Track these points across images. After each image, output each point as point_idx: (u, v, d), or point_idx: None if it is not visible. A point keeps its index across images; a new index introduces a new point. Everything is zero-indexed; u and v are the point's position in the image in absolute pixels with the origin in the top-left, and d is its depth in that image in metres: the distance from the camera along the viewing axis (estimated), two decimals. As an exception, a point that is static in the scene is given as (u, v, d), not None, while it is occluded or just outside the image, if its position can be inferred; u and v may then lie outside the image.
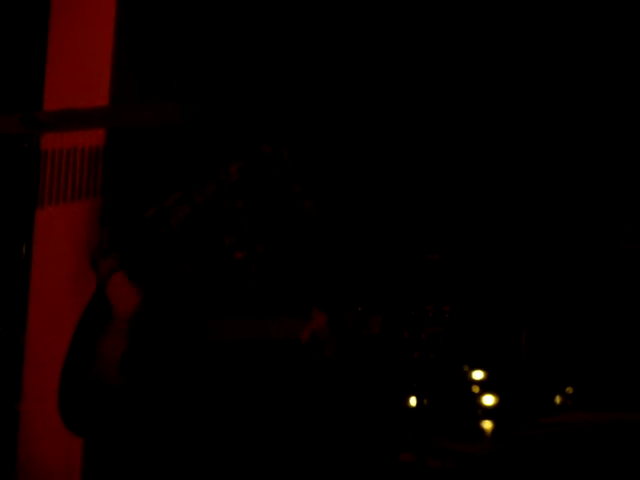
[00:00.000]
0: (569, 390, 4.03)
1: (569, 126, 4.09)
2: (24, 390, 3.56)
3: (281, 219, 2.55)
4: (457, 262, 3.92)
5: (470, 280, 3.99)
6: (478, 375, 4.09)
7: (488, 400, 4.08)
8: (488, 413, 4.06)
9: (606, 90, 4.01)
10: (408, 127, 3.80)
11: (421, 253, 2.52)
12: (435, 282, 2.50)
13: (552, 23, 4.01)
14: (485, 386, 4.09)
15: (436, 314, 2.16)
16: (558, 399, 4.03)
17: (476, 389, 4.10)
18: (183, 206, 2.64)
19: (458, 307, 2.18)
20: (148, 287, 2.56)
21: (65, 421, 2.60)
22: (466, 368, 4.10)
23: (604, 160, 4.08)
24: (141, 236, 2.66)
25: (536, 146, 4.13)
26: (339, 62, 2.47)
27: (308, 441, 2.42)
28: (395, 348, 2.35)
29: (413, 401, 3.76)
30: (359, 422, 2.45)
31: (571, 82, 4.05)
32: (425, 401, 3.81)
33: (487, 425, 4.04)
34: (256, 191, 2.60)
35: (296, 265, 2.49)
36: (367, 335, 2.23)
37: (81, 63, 3.57)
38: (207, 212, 2.62)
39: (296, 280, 2.46)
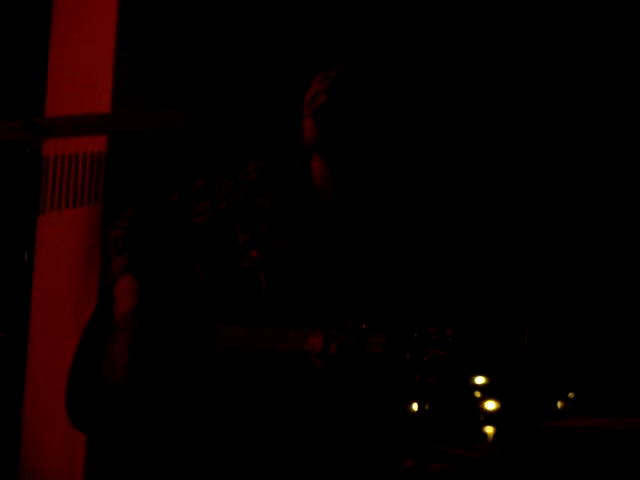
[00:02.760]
0: (571, 395, 4.03)
1: (569, 126, 4.09)
2: (26, 395, 3.57)
3: (298, 219, 2.55)
4: (459, 267, 3.92)
5: (473, 287, 3.99)
6: (480, 380, 4.08)
7: (490, 405, 4.08)
8: (490, 418, 4.06)
9: (608, 87, 4.02)
10: (417, 140, 3.82)
11: (430, 269, 2.51)
12: (441, 298, 2.49)
13: (552, 23, 4.01)
14: (487, 391, 4.08)
15: (439, 337, 2.15)
16: (560, 404, 4.03)
17: (478, 394, 4.09)
18: (204, 199, 2.64)
19: (464, 327, 2.17)
20: (156, 285, 2.56)
21: (71, 418, 2.60)
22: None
23: (607, 162, 4.08)
24: (163, 221, 2.66)
25: (537, 147, 4.13)
26: (345, 58, 2.47)
27: (311, 446, 2.42)
28: (397, 369, 2.35)
29: (415, 406, 3.76)
30: (362, 429, 2.45)
31: (572, 82, 4.05)
32: (427, 406, 3.81)
33: (489, 430, 4.04)
34: (274, 190, 2.60)
35: (309, 269, 2.49)
36: (369, 353, 2.22)
37: (83, 69, 3.58)
38: (225, 209, 2.62)
39: (305, 286, 2.46)
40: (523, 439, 3.51)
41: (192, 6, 3.76)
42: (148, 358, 2.50)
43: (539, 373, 4.01)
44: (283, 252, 2.52)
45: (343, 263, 2.47)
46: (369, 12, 4.06)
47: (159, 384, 2.47)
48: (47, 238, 3.59)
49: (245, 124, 3.89)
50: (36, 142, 3.31)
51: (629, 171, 4.06)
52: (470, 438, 4.01)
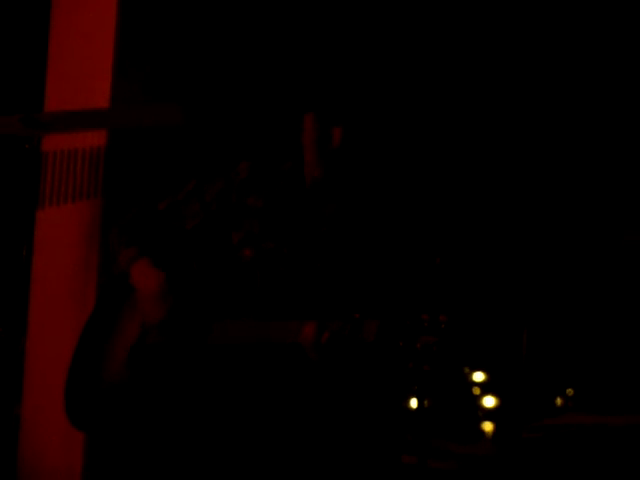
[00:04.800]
0: (570, 392, 4.03)
1: (569, 126, 4.10)
2: (25, 392, 3.56)
3: (291, 217, 2.56)
4: (457, 263, 3.92)
5: (470, 281, 3.99)
6: (479, 377, 4.09)
7: (489, 402, 4.08)
8: (489, 415, 4.06)
9: (605, 87, 4.02)
10: (411, 132, 3.81)
11: (423, 257, 2.52)
12: (434, 286, 2.49)
13: (552, 23, 4.02)
14: (486, 388, 4.09)
15: (432, 324, 2.16)
16: (559, 401, 4.03)
17: (477, 391, 4.10)
18: (193, 202, 2.64)
19: (456, 313, 2.17)
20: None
21: (70, 416, 2.60)
22: (467, 370, 4.10)
23: (603, 158, 4.08)
24: (154, 229, 2.66)
25: (534, 144, 4.13)
26: (342, 60, 2.48)
27: (309, 442, 2.42)
28: (390, 356, 2.36)
29: (414, 403, 3.76)
30: (360, 424, 2.45)
31: (571, 81, 4.05)
32: (426, 403, 3.81)
33: (488, 427, 4.04)
34: (266, 189, 2.60)
35: (302, 265, 2.49)
36: (363, 341, 2.23)
37: (82, 64, 3.57)
38: (216, 209, 2.62)
39: (299, 281, 2.46)
40: (522, 436, 3.51)
41: (191, 3, 3.76)
42: (149, 353, 2.50)
43: (538, 370, 4.01)
44: (276, 250, 2.52)
45: (337, 253, 2.48)
46: (365, 12, 4.06)
47: (158, 382, 2.47)
48: (46, 233, 3.58)
49: (240, 121, 3.89)
50: (35, 137, 3.30)
51: (628, 171, 4.07)
52: (469, 435, 4.01)
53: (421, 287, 2.47)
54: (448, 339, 2.12)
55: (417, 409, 3.74)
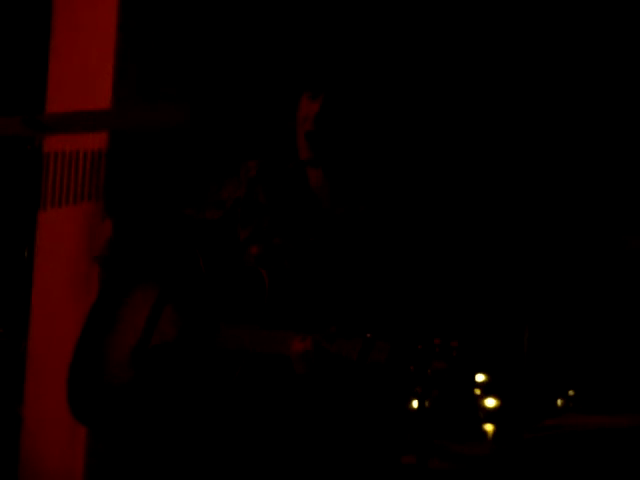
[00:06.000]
0: (571, 393, 4.03)
1: (568, 124, 4.09)
2: (26, 393, 3.57)
3: (298, 214, 2.56)
4: (458, 264, 3.92)
5: (471, 282, 3.99)
6: (480, 378, 4.08)
7: (490, 403, 4.08)
8: (490, 415, 4.06)
9: (606, 87, 4.02)
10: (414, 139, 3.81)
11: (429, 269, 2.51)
12: (440, 302, 2.49)
13: (552, 23, 4.01)
14: (487, 389, 4.08)
15: (443, 349, 2.15)
16: (560, 402, 4.03)
17: (478, 391, 4.09)
18: (212, 201, 2.66)
19: (467, 333, 2.17)
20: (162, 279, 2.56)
21: (73, 411, 2.60)
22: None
23: (605, 158, 4.08)
24: (180, 226, 2.67)
25: (535, 145, 4.13)
26: (344, 60, 2.48)
27: (309, 443, 2.42)
28: (400, 379, 2.35)
29: (415, 403, 3.76)
30: (360, 426, 2.45)
31: (571, 81, 4.05)
32: (427, 403, 3.81)
33: (489, 427, 4.04)
34: (274, 186, 2.61)
35: (308, 265, 2.49)
36: (374, 362, 2.22)
37: (83, 65, 3.58)
38: (230, 207, 2.63)
39: (305, 287, 2.46)
40: (523, 437, 3.51)
41: (193, 2, 3.76)
42: (152, 352, 2.50)
43: (539, 370, 4.01)
44: (282, 249, 2.53)
45: (344, 269, 2.47)
46: (364, 15, 4.06)
47: (161, 379, 2.48)
48: (47, 234, 3.59)
49: (246, 120, 3.89)
50: (37, 138, 3.31)
51: (628, 171, 4.06)
52: (470, 436, 4.01)
53: (431, 307, 2.46)
54: (459, 365, 2.12)
55: (418, 410, 3.74)
